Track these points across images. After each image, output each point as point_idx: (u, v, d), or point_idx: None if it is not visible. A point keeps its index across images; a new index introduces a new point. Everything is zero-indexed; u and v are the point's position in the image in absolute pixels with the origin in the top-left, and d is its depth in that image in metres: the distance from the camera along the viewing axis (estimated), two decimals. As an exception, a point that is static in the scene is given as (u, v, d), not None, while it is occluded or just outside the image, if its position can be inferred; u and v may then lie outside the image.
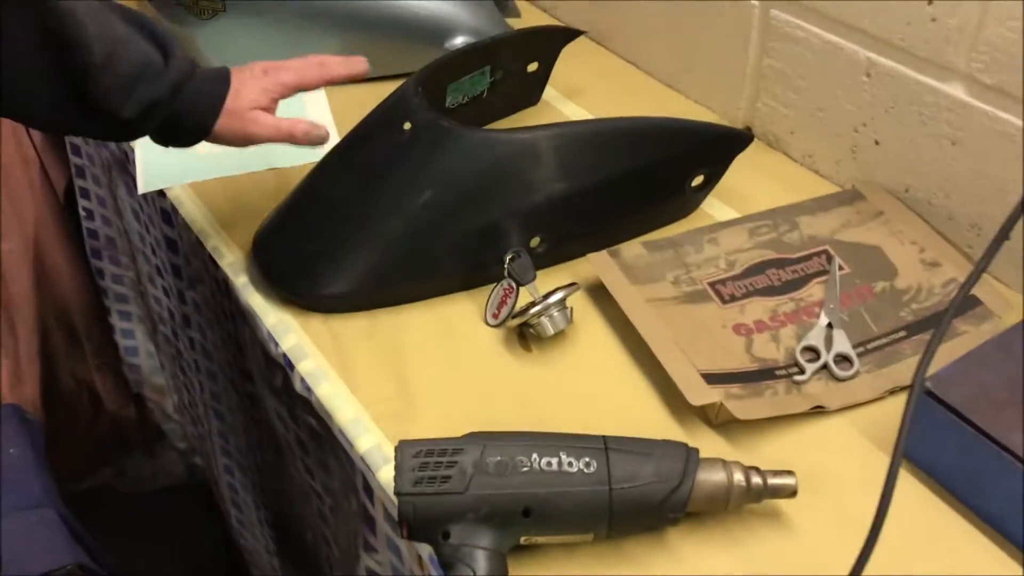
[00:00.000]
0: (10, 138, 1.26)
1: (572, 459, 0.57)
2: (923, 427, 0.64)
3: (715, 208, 0.90)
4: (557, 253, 0.83)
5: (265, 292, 0.81)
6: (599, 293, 0.79)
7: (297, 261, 0.79)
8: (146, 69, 0.70)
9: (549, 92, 1.06)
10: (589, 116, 1.03)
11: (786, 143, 0.96)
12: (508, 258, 0.76)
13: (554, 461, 0.57)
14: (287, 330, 0.78)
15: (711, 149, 0.86)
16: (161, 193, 0.94)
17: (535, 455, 0.57)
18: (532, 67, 1.01)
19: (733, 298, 0.79)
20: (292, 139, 0.78)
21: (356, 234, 0.78)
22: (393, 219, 0.77)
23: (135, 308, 1.40)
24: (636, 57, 1.12)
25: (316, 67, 0.79)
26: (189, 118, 0.73)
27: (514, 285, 0.77)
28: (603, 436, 0.59)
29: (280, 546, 1.18)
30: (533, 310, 0.74)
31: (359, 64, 0.81)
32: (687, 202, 0.88)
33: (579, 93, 1.07)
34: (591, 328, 0.78)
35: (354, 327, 0.78)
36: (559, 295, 0.74)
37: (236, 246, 0.86)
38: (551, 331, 0.74)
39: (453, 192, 0.77)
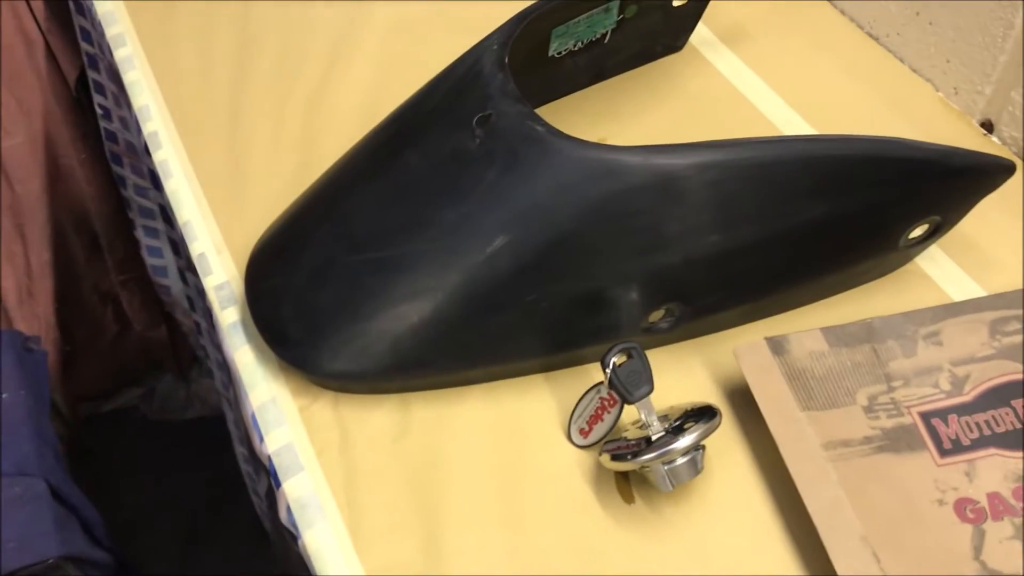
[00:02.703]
0: (9, 16, 1.00)
1: None
2: None
3: (933, 261, 0.60)
4: (686, 329, 0.55)
5: (259, 345, 0.56)
6: (746, 404, 0.52)
7: (300, 314, 0.53)
8: None
9: (699, 34, 0.75)
10: (750, 73, 0.72)
11: (1050, 162, 0.65)
12: (613, 361, 0.49)
13: None
14: (279, 419, 0.53)
15: (950, 187, 0.55)
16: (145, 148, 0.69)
17: None
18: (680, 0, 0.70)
19: (958, 446, 0.50)
20: None
21: (388, 286, 0.51)
22: (446, 270, 0.50)
23: (162, 224, 1.17)
24: (830, -13, 0.78)
25: None
26: None
27: (618, 398, 0.50)
28: None
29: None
30: (645, 456, 0.47)
31: None
32: (896, 259, 0.58)
33: (742, 38, 0.75)
34: (731, 476, 0.51)
35: (375, 421, 0.53)
36: (690, 438, 0.47)
37: (232, 256, 0.61)
38: (670, 486, 0.48)
39: (541, 239, 0.50)
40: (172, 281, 1.26)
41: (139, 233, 1.22)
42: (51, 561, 0.91)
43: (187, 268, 0.74)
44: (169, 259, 1.24)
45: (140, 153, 0.85)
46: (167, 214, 0.72)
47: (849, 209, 0.52)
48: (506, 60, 0.54)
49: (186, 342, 1.34)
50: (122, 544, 1.05)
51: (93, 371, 1.31)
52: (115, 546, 1.01)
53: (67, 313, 1.23)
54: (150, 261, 1.25)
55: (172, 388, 1.39)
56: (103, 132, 1.12)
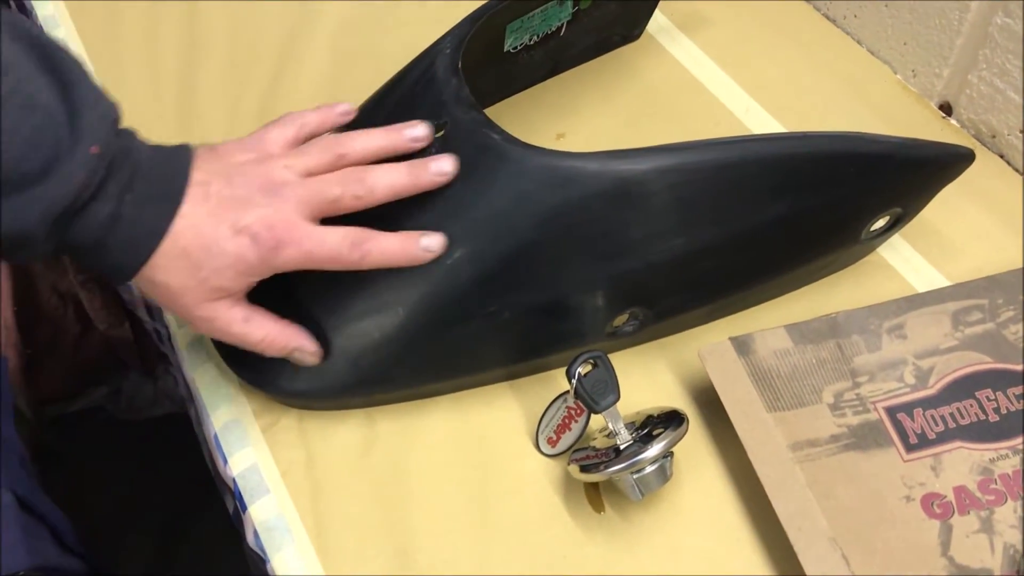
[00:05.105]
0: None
1: None
2: None
3: (895, 250, 0.60)
4: (651, 331, 0.55)
5: (219, 364, 0.55)
6: (713, 405, 0.52)
7: (260, 333, 0.52)
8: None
9: (656, 22, 0.74)
10: (708, 61, 0.71)
11: (1009, 145, 0.65)
12: (579, 370, 0.49)
13: None
14: (242, 439, 0.52)
15: (910, 179, 0.55)
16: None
17: None
18: (636, -11, 0.69)
19: (924, 441, 0.51)
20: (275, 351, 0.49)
21: (347, 302, 0.50)
22: (406, 284, 0.50)
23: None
24: (786, -32, 0.78)
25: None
26: (95, 253, 0.44)
27: (584, 408, 0.50)
28: None
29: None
30: (614, 467, 0.47)
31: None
32: (858, 251, 0.58)
33: (700, 25, 0.74)
34: (700, 480, 0.51)
35: (341, 437, 0.52)
36: (658, 447, 0.47)
37: (186, 270, 0.59)
38: (639, 495, 0.48)
39: (501, 249, 0.49)
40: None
41: (97, 233, 1.20)
42: (21, 574, 0.89)
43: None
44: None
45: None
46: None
47: (810, 206, 0.52)
48: (459, 65, 0.53)
49: (151, 339, 1.32)
50: (95, 548, 1.03)
51: (57, 373, 1.29)
52: (87, 552, 1.00)
53: (27, 316, 1.21)
54: (109, 261, 1.23)
55: (139, 386, 1.37)
56: (53, 132, 1.09)
